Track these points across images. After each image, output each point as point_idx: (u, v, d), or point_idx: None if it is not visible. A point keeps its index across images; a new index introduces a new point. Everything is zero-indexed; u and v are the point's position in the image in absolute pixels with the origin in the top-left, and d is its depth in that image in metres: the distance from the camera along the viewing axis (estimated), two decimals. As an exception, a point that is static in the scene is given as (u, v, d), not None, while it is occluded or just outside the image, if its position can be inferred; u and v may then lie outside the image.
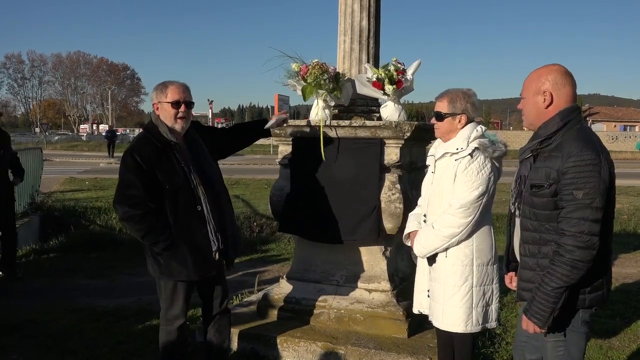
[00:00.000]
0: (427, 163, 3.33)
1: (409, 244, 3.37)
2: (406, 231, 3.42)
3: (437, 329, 3.26)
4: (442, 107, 3.12)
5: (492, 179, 3.04)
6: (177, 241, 3.21)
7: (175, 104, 3.23)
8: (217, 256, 3.30)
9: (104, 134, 39.49)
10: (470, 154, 3.00)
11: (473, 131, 3.07)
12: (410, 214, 3.50)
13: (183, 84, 3.32)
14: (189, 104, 3.30)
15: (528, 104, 2.55)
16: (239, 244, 3.58)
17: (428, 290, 3.23)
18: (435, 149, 3.24)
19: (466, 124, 3.09)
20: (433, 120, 3.19)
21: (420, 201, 3.45)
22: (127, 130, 70.54)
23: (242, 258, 7.50)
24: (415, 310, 3.40)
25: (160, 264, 3.27)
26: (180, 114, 3.24)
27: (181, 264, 3.24)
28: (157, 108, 3.29)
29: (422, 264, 3.31)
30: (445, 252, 3.09)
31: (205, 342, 3.66)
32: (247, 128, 4.06)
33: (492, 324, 3.17)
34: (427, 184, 3.25)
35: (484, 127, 3.14)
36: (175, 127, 3.26)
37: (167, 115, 3.25)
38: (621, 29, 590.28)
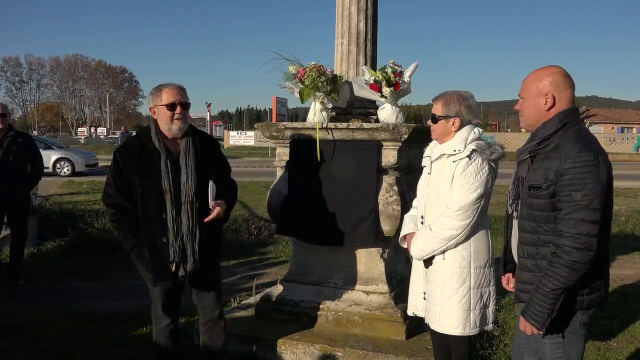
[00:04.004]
0: (423, 164, 3.33)
1: (405, 246, 3.37)
2: (402, 233, 3.41)
3: (433, 332, 3.26)
4: (437, 109, 3.12)
5: (489, 181, 3.04)
6: (143, 245, 3.27)
7: (171, 106, 3.21)
8: (173, 267, 3.25)
9: (118, 135, 37.26)
10: (468, 156, 3.00)
11: (470, 133, 3.07)
12: (405, 216, 3.50)
13: (177, 85, 3.29)
14: (185, 105, 3.27)
15: (528, 106, 2.54)
16: (194, 259, 3.25)
17: (424, 293, 3.22)
18: (431, 150, 3.24)
19: (460, 126, 3.09)
20: (429, 122, 3.20)
21: (415, 202, 3.45)
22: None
23: (240, 260, 7.50)
24: (409, 313, 3.40)
25: (134, 263, 3.39)
26: (176, 116, 3.22)
27: (145, 267, 3.31)
28: (154, 112, 3.29)
29: (417, 266, 3.30)
30: (442, 255, 3.08)
31: (200, 346, 3.66)
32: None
33: (489, 326, 3.17)
34: (424, 186, 3.24)
35: (481, 130, 3.15)
36: (172, 128, 3.23)
37: (163, 118, 3.23)
38: (619, 31, 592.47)
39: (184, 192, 3.20)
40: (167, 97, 3.22)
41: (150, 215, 3.23)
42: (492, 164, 3.06)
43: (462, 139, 3.05)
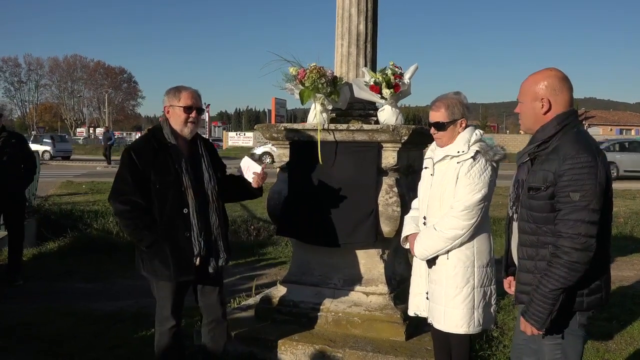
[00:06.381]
0: (424, 166, 3.34)
1: (407, 247, 3.39)
2: (404, 234, 3.43)
3: (434, 332, 3.28)
4: (441, 116, 3.12)
5: (492, 181, 3.08)
6: (161, 241, 3.26)
7: (187, 109, 3.29)
8: (197, 261, 3.28)
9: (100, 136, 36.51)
10: (473, 157, 3.04)
11: (472, 135, 3.11)
12: (406, 217, 3.51)
13: (195, 91, 3.37)
14: (200, 111, 3.37)
15: (526, 110, 2.57)
16: (226, 254, 3.43)
17: (426, 293, 3.24)
18: (433, 151, 3.26)
19: (466, 126, 3.12)
20: (433, 131, 3.18)
21: (415, 203, 3.47)
22: (124, 134, 70.35)
23: (239, 261, 7.50)
24: (411, 313, 3.41)
25: (145, 261, 3.34)
26: (190, 119, 3.30)
27: (163, 264, 3.28)
28: (168, 111, 3.34)
29: (418, 267, 3.32)
30: (446, 255, 3.10)
31: (201, 346, 3.67)
32: (241, 184, 3.63)
33: (492, 325, 3.19)
34: (426, 187, 3.26)
35: (481, 131, 3.17)
36: (184, 130, 3.31)
37: (177, 120, 3.30)
38: (617, 33, 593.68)
39: (209, 190, 3.32)
40: (185, 99, 3.29)
41: (170, 211, 3.25)
42: (494, 165, 3.10)
43: (465, 140, 3.08)
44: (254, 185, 3.53)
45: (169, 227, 3.25)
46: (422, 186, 3.32)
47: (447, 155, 3.10)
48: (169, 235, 3.25)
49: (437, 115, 3.13)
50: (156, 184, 3.24)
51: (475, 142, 3.08)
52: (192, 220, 3.25)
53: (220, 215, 3.39)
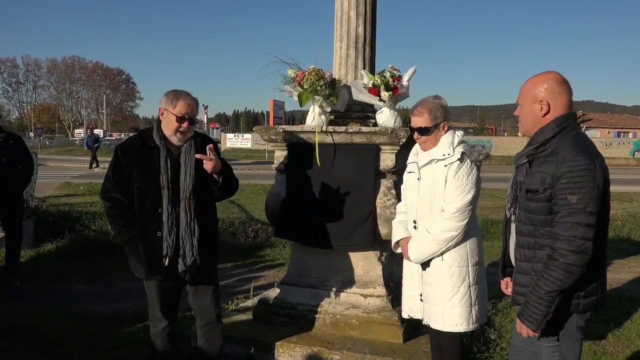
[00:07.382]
0: (409, 170, 3.36)
1: (399, 251, 3.41)
2: (394, 239, 3.44)
3: (433, 333, 3.30)
4: (424, 121, 3.15)
5: (479, 181, 3.15)
6: (138, 239, 3.33)
7: (180, 119, 3.28)
8: (166, 262, 3.29)
9: (85, 139, 31.37)
10: (459, 159, 3.08)
11: (454, 137, 3.15)
12: (394, 222, 3.53)
13: (193, 100, 3.36)
14: (193, 121, 3.35)
15: (525, 112, 2.59)
16: (193, 253, 3.29)
17: (420, 295, 3.27)
18: (417, 155, 3.30)
19: (447, 129, 3.16)
20: (417, 136, 3.21)
21: (400, 207, 3.50)
22: (122, 135, 70.30)
23: (237, 263, 7.51)
24: (404, 315, 3.44)
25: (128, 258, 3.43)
26: (181, 129, 3.29)
27: (138, 261, 3.36)
28: (162, 113, 3.35)
29: (410, 269, 3.35)
30: (441, 256, 3.14)
31: (198, 348, 3.67)
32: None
33: (485, 318, 3.29)
34: (413, 191, 3.28)
35: (462, 132, 3.22)
36: (173, 138, 3.31)
37: (168, 126, 3.31)
38: (615, 36, 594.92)
39: (183, 188, 3.29)
40: (180, 108, 3.28)
41: (146, 210, 3.30)
42: (478, 164, 3.16)
43: (449, 143, 3.13)
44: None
45: (145, 226, 3.31)
46: (408, 190, 3.34)
47: (433, 159, 3.14)
48: (144, 233, 3.31)
49: (420, 121, 3.16)
50: (137, 183, 3.29)
51: (459, 143, 3.13)
52: (164, 220, 3.27)
53: (191, 213, 3.28)
